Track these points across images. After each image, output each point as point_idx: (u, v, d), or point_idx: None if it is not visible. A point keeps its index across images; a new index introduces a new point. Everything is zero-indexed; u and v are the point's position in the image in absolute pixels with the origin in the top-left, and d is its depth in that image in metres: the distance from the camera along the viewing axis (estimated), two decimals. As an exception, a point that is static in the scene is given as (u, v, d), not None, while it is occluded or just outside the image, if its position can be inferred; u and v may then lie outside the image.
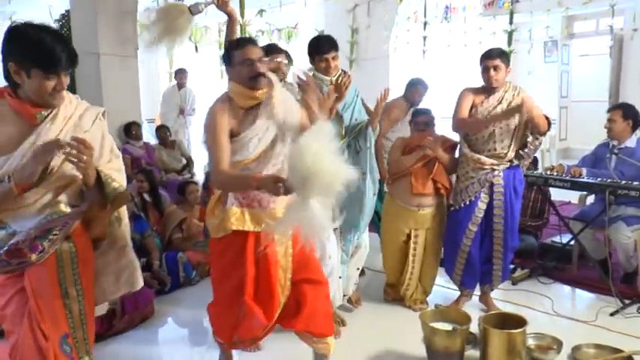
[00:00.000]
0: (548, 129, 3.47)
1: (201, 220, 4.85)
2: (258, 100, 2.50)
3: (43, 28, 1.82)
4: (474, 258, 3.61)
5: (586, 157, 4.48)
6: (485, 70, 3.43)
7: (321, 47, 3.27)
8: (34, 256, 1.89)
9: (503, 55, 3.46)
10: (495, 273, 3.66)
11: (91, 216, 2.04)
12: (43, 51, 1.78)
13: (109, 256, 2.19)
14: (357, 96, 3.45)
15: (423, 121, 3.74)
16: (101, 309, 3.23)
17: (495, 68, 3.39)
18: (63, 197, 1.96)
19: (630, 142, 4.16)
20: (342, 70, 3.29)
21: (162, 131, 6.71)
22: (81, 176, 1.91)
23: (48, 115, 1.89)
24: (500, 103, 3.46)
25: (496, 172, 3.46)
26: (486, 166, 3.46)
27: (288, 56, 3.48)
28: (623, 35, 8.78)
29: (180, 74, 8.04)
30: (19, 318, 1.95)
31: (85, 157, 1.82)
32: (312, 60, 3.32)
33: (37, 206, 1.91)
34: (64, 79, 1.85)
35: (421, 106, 4.63)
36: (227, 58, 2.57)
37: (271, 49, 3.36)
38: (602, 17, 9.10)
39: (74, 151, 1.81)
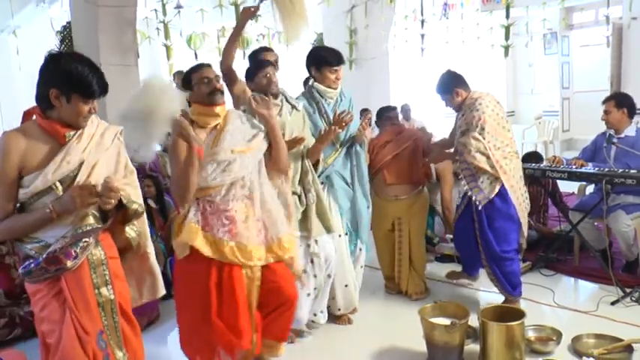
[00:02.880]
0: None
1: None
2: (219, 116, 2.63)
3: (83, 60, 2.06)
4: (461, 251, 3.91)
5: (586, 148, 4.51)
6: None
7: (330, 59, 3.34)
8: (69, 263, 2.06)
9: (442, 87, 3.61)
10: (491, 278, 3.64)
11: (112, 227, 2.25)
12: (84, 81, 2.03)
13: (132, 262, 2.39)
14: (352, 107, 3.51)
15: (394, 115, 4.08)
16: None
17: (446, 102, 3.66)
18: (91, 210, 2.14)
19: (630, 131, 4.16)
20: (347, 109, 3.36)
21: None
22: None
23: (74, 134, 2.10)
24: (462, 115, 3.58)
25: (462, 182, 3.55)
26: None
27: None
28: (622, 24, 8.77)
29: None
30: (57, 316, 2.10)
31: (112, 201, 2.06)
32: (317, 69, 3.37)
33: (67, 219, 2.08)
34: (96, 104, 2.10)
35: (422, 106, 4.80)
36: (187, 83, 2.70)
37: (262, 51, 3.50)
38: (600, 7, 9.06)
39: (105, 197, 2.04)
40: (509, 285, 3.57)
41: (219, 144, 2.57)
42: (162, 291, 2.54)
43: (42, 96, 2.06)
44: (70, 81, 2.02)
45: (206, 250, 2.52)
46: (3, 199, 2.06)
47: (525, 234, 3.70)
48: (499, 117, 3.49)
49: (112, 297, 2.18)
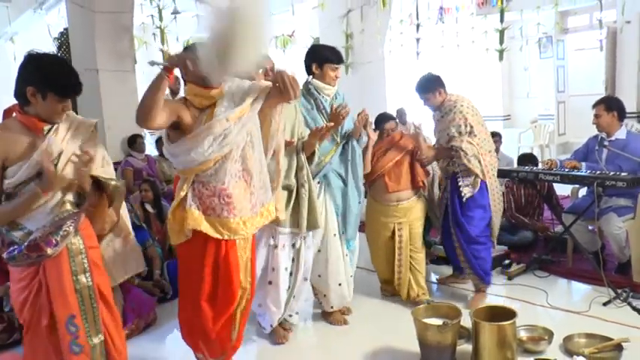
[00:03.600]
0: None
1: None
2: (213, 99, 2.58)
3: (59, 61, 2.28)
4: (448, 250, 4.08)
5: (578, 150, 4.56)
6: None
7: (332, 57, 3.42)
8: (49, 250, 2.22)
9: (427, 85, 3.82)
10: (465, 266, 3.90)
11: (91, 214, 2.44)
12: (60, 81, 2.21)
13: (115, 244, 2.65)
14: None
15: (391, 127, 3.96)
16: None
17: (426, 100, 3.85)
18: (68, 197, 2.33)
19: (620, 134, 4.21)
20: (343, 101, 3.47)
21: (162, 143, 6.79)
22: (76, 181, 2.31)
23: (51, 128, 2.28)
24: (442, 116, 3.85)
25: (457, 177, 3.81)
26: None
27: None
28: (616, 28, 8.83)
29: (173, 81, 7.89)
30: (32, 309, 2.30)
31: (90, 164, 2.27)
32: (319, 66, 3.43)
33: (47, 207, 2.27)
34: (70, 102, 2.28)
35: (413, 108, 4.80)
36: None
37: None
38: (594, 11, 9.14)
39: (80, 159, 2.24)
40: (482, 270, 3.83)
41: (213, 117, 2.54)
42: (143, 265, 2.85)
43: (20, 93, 2.22)
44: (46, 80, 2.18)
45: (212, 232, 2.57)
46: None
47: (497, 226, 3.93)
48: (478, 116, 3.79)
49: (90, 284, 2.34)
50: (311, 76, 3.49)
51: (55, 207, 2.29)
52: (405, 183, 3.86)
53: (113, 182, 2.46)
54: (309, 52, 3.55)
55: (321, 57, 3.44)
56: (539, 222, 5.13)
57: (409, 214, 3.87)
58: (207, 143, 2.48)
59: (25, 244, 2.21)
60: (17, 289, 2.33)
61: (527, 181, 4.50)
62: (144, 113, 2.39)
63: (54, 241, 2.22)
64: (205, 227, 2.56)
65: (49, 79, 2.19)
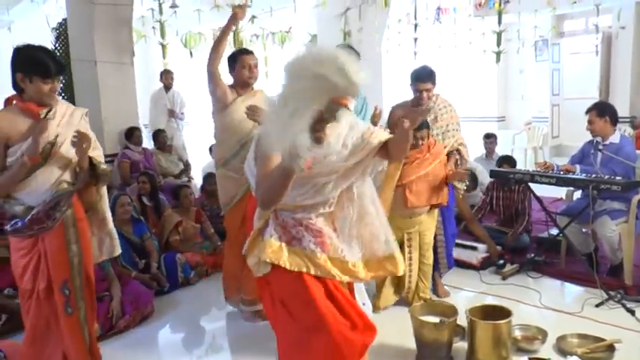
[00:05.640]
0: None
1: (197, 222, 4.96)
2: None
3: (39, 48, 2.56)
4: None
5: (575, 155, 4.61)
6: (419, 92, 3.75)
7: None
8: (49, 223, 2.61)
9: (433, 75, 3.78)
10: (441, 260, 4.06)
11: (82, 190, 2.76)
12: (41, 63, 2.50)
13: (93, 226, 2.86)
14: (367, 103, 3.69)
15: (422, 136, 3.55)
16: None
17: (427, 90, 3.74)
18: (65, 177, 2.64)
19: (614, 138, 4.27)
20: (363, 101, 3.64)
21: (160, 135, 6.77)
22: (77, 159, 2.63)
23: (48, 112, 2.56)
24: (436, 112, 3.89)
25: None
26: None
27: None
28: (611, 33, 8.93)
29: (166, 75, 7.53)
30: (29, 273, 2.66)
31: (84, 145, 2.59)
32: None
33: (46, 185, 2.58)
34: (57, 83, 2.56)
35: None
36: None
37: None
38: (590, 16, 9.22)
39: (79, 139, 2.56)
40: (450, 256, 4.15)
41: (320, 163, 2.11)
42: (118, 250, 3.00)
43: (14, 82, 2.54)
44: (30, 65, 2.49)
45: (296, 267, 2.15)
46: None
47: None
48: None
49: (80, 253, 2.70)
50: None
51: (53, 185, 2.59)
52: (425, 199, 3.62)
53: (103, 166, 2.76)
54: None
55: None
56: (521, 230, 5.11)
57: (421, 225, 3.73)
58: (303, 190, 2.13)
59: (29, 217, 2.55)
60: (18, 256, 2.68)
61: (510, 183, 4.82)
62: (269, 205, 2.12)
63: (53, 215, 2.60)
64: (284, 261, 2.15)
65: (32, 63, 2.49)
